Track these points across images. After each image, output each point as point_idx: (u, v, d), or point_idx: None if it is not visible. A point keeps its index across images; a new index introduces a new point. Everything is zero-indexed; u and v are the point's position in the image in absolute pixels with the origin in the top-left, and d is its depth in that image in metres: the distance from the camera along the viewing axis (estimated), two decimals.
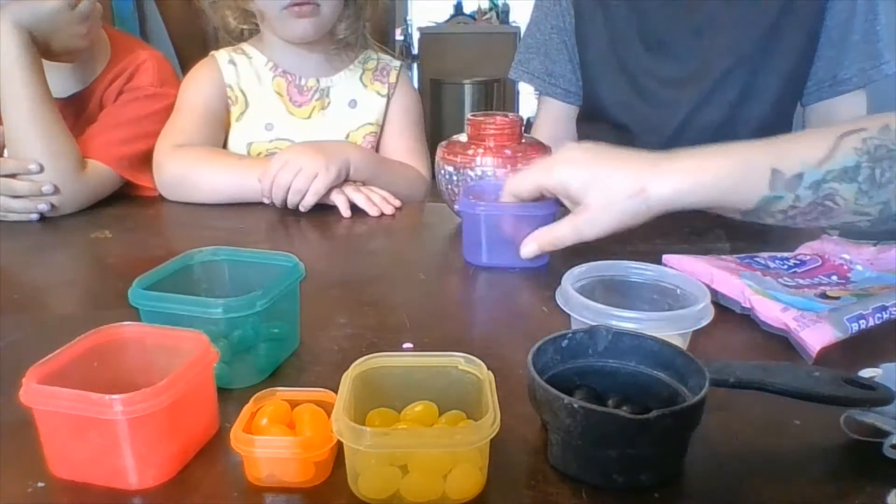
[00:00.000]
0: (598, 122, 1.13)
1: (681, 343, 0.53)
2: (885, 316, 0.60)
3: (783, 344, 0.60)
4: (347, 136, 1.17)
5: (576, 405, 0.39)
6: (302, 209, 0.99)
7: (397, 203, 1.03)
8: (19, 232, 0.94)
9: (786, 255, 0.74)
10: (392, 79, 1.21)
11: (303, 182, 0.97)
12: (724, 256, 0.74)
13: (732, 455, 0.45)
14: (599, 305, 0.53)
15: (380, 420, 0.45)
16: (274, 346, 0.56)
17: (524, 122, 0.90)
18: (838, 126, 0.61)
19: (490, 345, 0.61)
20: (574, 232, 0.69)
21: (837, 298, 0.62)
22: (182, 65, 1.66)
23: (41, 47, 0.98)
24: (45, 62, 1.00)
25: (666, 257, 0.74)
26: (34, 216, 0.97)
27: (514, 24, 4.96)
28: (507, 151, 0.86)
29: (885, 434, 0.44)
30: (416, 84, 4.22)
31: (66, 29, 0.99)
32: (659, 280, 0.60)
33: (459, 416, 0.45)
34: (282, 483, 0.42)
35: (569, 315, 0.56)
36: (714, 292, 0.65)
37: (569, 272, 0.59)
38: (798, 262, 0.72)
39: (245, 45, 1.18)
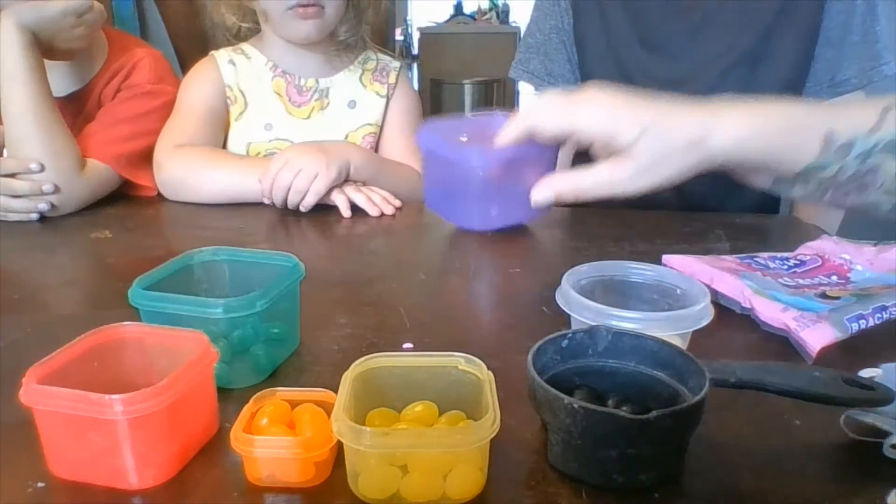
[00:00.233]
0: None
1: (681, 343, 0.53)
2: (885, 316, 0.60)
3: (783, 344, 0.60)
4: (346, 136, 1.17)
5: (576, 405, 0.39)
6: (303, 209, 0.99)
7: (398, 203, 1.03)
8: (19, 232, 0.94)
9: (786, 255, 0.74)
10: (391, 79, 1.21)
11: (303, 182, 0.98)
12: (724, 256, 0.74)
13: (732, 455, 0.45)
14: (599, 305, 0.53)
15: (380, 420, 0.45)
16: (274, 346, 0.56)
17: None
18: (878, 99, 0.57)
19: (490, 345, 0.61)
20: (610, 184, 0.60)
21: (837, 298, 0.62)
22: (182, 65, 1.66)
23: (43, 47, 0.99)
24: (45, 61, 1.00)
25: (666, 257, 0.74)
26: (34, 216, 0.97)
27: (514, 24, 4.96)
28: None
29: (885, 434, 0.44)
30: (416, 84, 4.22)
31: (69, 31, 1.00)
32: (659, 280, 0.60)
33: (459, 416, 0.45)
34: (282, 483, 0.42)
35: (569, 315, 0.56)
36: (714, 292, 0.65)
37: (569, 272, 0.59)
38: (798, 262, 0.72)
39: (244, 45, 1.18)
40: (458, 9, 5.16)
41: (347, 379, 0.44)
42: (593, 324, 0.50)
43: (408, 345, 0.60)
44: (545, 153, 0.67)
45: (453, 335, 0.64)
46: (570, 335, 0.47)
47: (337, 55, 1.19)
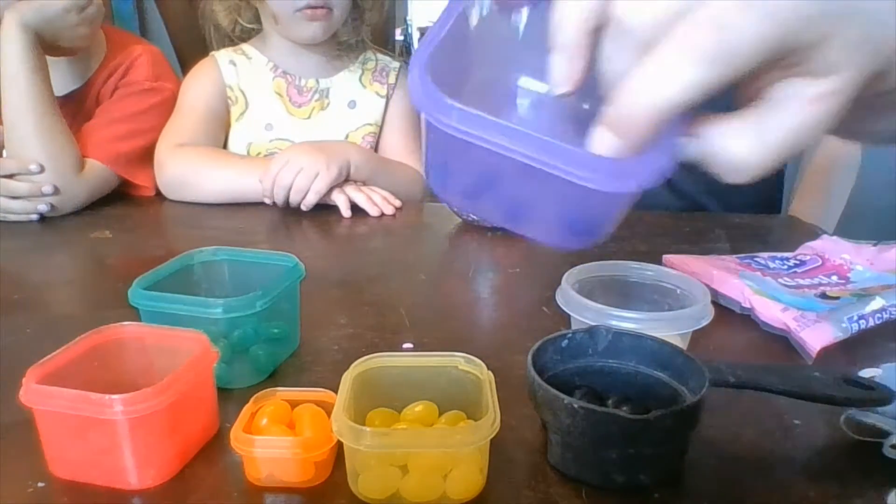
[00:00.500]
0: None
1: (681, 343, 0.53)
2: (885, 316, 0.60)
3: (783, 344, 0.60)
4: (347, 136, 1.17)
5: (576, 405, 0.39)
6: (304, 208, 1.00)
7: (398, 203, 1.04)
8: (19, 232, 0.94)
9: (786, 255, 0.74)
10: (391, 79, 1.21)
11: (304, 182, 0.98)
12: (724, 256, 0.74)
13: (732, 455, 0.45)
14: (599, 305, 0.53)
15: (380, 420, 0.44)
16: (274, 346, 0.56)
17: None
18: None
19: (490, 345, 0.61)
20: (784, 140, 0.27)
21: (837, 298, 0.62)
22: (182, 65, 1.66)
23: (46, 46, 0.99)
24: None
25: (666, 257, 0.74)
26: (34, 217, 0.97)
27: None
28: None
29: (885, 434, 0.44)
30: None
31: (72, 29, 0.99)
32: (659, 280, 0.60)
33: (459, 416, 0.45)
34: (282, 483, 0.42)
35: (569, 315, 0.56)
36: (714, 292, 0.65)
37: (569, 272, 0.59)
38: (798, 262, 0.72)
39: (245, 46, 1.19)
40: None
41: (347, 379, 0.44)
42: (593, 324, 0.50)
43: (408, 345, 0.60)
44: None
45: (453, 335, 0.64)
46: (570, 335, 0.47)
47: (337, 56, 1.19)
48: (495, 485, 0.42)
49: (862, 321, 0.59)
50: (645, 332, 0.47)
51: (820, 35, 0.24)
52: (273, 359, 0.56)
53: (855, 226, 0.94)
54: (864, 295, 0.62)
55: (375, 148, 1.21)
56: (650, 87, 0.25)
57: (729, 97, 0.27)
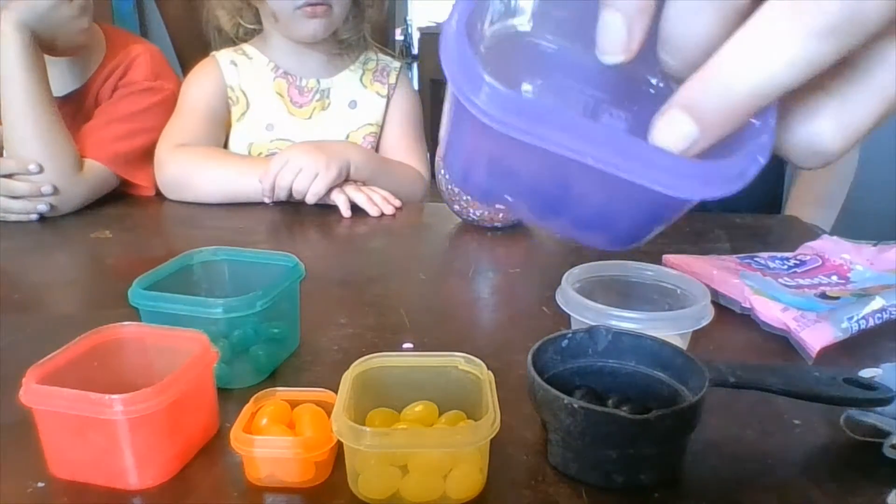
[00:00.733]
0: None
1: (681, 343, 0.53)
2: (885, 316, 0.60)
3: (783, 344, 0.60)
4: (347, 136, 1.17)
5: (576, 405, 0.39)
6: (307, 202, 1.00)
7: (398, 203, 1.04)
8: (19, 232, 0.94)
9: (786, 255, 0.74)
10: (392, 79, 1.21)
11: (304, 182, 0.98)
12: (724, 256, 0.74)
13: (732, 455, 0.45)
14: (599, 305, 0.53)
15: (380, 420, 0.44)
16: (274, 346, 0.56)
17: None
18: None
19: (490, 345, 0.61)
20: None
21: (837, 298, 0.62)
22: (182, 65, 1.66)
23: (45, 45, 0.98)
24: (46, 58, 0.99)
25: (666, 257, 0.74)
26: (34, 216, 0.97)
27: None
28: None
29: (885, 434, 0.44)
30: (416, 84, 4.21)
31: (67, 24, 0.99)
32: (659, 280, 0.60)
33: (459, 416, 0.45)
34: (282, 483, 0.42)
35: (569, 315, 0.56)
36: (714, 292, 0.65)
37: (569, 272, 0.59)
38: (798, 262, 0.72)
39: (246, 46, 1.19)
40: None
41: (347, 379, 0.44)
42: (593, 324, 0.50)
43: (408, 345, 0.60)
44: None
45: (453, 335, 0.64)
46: (570, 335, 0.47)
47: (338, 55, 1.19)
48: (495, 485, 0.42)
49: (862, 321, 0.58)
50: (645, 332, 0.47)
51: None
52: (273, 359, 0.56)
53: (855, 226, 0.94)
54: (864, 295, 0.62)
55: (376, 148, 1.21)
56: (751, 63, 0.19)
57: None
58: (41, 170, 0.96)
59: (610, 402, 0.44)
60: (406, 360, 0.47)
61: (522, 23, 0.28)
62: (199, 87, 1.15)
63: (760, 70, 0.19)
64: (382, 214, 1.01)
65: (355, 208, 1.01)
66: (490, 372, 0.44)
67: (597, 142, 0.21)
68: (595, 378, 0.47)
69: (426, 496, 0.40)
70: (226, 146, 1.16)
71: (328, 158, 0.99)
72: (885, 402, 0.44)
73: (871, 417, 0.44)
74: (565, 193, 0.26)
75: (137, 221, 1.01)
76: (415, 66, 4.88)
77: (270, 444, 0.41)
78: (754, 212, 1.03)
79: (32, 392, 0.40)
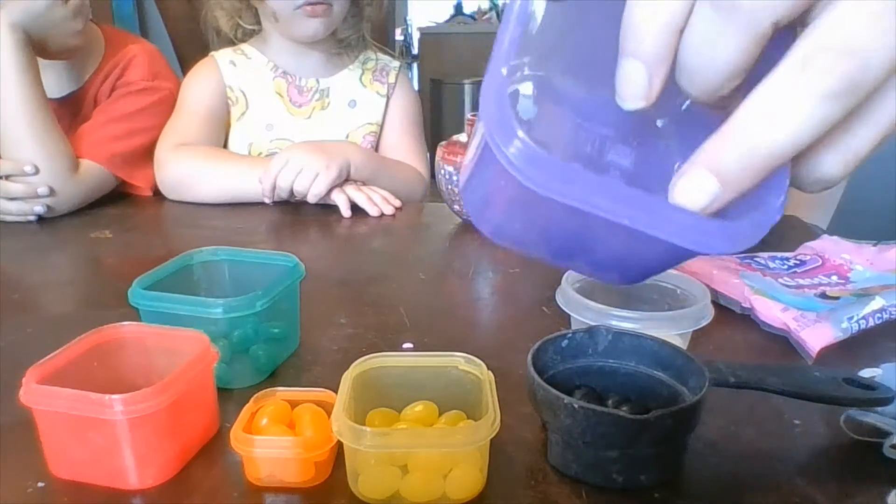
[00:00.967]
0: None
1: (681, 343, 0.53)
2: (885, 316, 0.60)
3: (783, 344, 0.60)
4: (347, 136, 1.18)
5: (576, 405, 0.39)
6: (308, 202, 1.00)
7: (398, 203, 1.04)
8: (19, 232, 0.94)
9: (786, 255, 0.74)
10: (391, 79, 1.21)
11: (304, 182, 0.98)
12: (724, 256, 0.74)
13: (732, 455, 0.45)
14: (599, 305, 0.53)
15: (380, 420, 0.44)
16: (274, 346, 0.56)
17: None
18: None
19: (490, 345, 0.61)
20: None
21: (837, 298, 0.62)
22: (182, 65, 1.66)
23: (38, 47, 0.98)
24: (40, 62, 0.99)
25: None
26: (31, 218, 0.97)
27: None
28: None
29: (885, 434, 0.44)
30: (416, 84, 4.22)
31: (61, 26, 0.99)
32: (659, 280, 0.60)
33: (459, 416, 0.45)
34: (282, 483, 0.42)
35: (569, 315, 0.56)
36: (714, 292, 0.65)
37: (569, 272, 0.59)
38: (798, 262, 0.72)
39: (245, 46, 1.19)
40: (458, 9, 5.15)
41: (347, 379, 0.44)
42: (593, 324, 0.50)
43: (408, 345, 0.60)
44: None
45: (453, 335, 0.64)
46: (570, 335, 0.47)
47: (337, 55, 1.19)
48: (495, 485, 0.42)
49: (862, 321, 0.58)
50: (645, 332, 0.47)
51: None
52: (273, 359, 0.56)
53: (854, 225, 0.94)
54: (864, 295, 0.62)
55: (376, 148, 1.21)
56: (771, 125, 0.21)
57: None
58: (37, 171, 0.96)
59: (610, 402, 0.44)
60: (406, 360, 0.47)
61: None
62: (198, 87, 1.15)
63: (779, 132, 0.20)
64: (382, 214, 1.01)
65: (355, 208, 1.01)
66: (490, 372, 0.44)
67: (622, 201, 0.23)
68: (595, 378, 0.47)
69: (426, 496, 0.40)
70: (225, 146, 1.16)
71: (328, 158, 0.99)
72: (885, 402, 0.44)
73: (871, 417, 0.44)
74: (583, 244, 0.28)
75: (137, 221, 1.01)
76: (415, 66, 4.88)
77: (270, 444, 0.41)
78: None
79: (32, 392, 0.40)
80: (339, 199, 1.00)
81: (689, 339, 0.55)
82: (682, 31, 0.22)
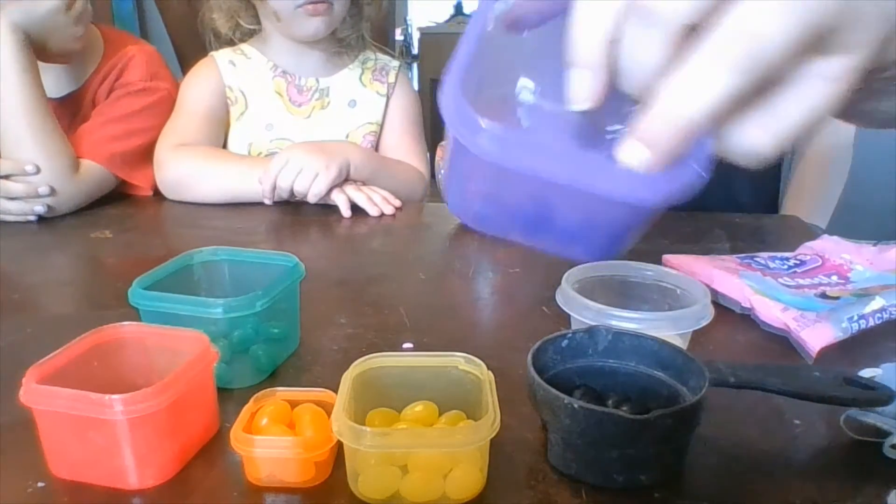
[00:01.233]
0: None
1: (681, 343, 0.53)
2: (885, 316, 0.60)
3: (783, 344, 0.60)
4: (347, 135, 1.17)
5: (576, 405, 0.39)
6: (308, 202, 1.00)
7: (398, 203, 1.04)
8: (19, 232, 0.94)
9: (786, 255, 0.74)
10: (391, 79, 1.21)
11: (304, 182, 0.98)
12: (724, 256, 0.74)
13: (732, 455, 0.45)
14: (599, 305, 0.53)
15: (380, 420, 0.45)
16: (274, 346, 0.56)
17: None
18: None
19: (490, 345, 0.61)
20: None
21: (837, 298, 0.62)
22: (182, 65, 1.66)
23: (37, 49, 0.98)
24: (40, 63, 0.99)
25: (666, 257, 0.74)
26: (31, 218, 0.97)
27: None
28: None
29: (885, 434, 0.44)
30: (416, 84, 4.21)
31: (62, 30, 0.99)
32: (659, 280, 0.60)
33: (459, 416, 0.45)
34: (282, 483, 0.42)
35: (569, 315, 0.56)
36: (714, 292, 0.65)
37: (569, 272, 0.59)
38: (798, 262, 0.72)
39: (244, 46, 1.19)
40: (458, 9, 5.15)
41: (347, 379, 0.44)
42: (593, 324, 0.50)
43: (408, 345, 0.60)
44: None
45: (453, 335, 0.64)
46: (570, 335, 0.47)
47: (337, 54, 1.19)
48: (495, 485, 0.42)
49: (862, 321, 0.59)
50: (645, 332, 0.47)
51: (845, 19, 0.24)
52: (273, 359, 0.56)
53: (854, 224, 0.94)
54: (864, 295, 0.62)
55: (376, 147, 1.21)
56: (684, 98, 0.24)
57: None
58: (38, 171, 0.96)
59: (610, 402, 0.44)
60: (406, 360, 0.47)
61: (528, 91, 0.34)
62: (197, 87, 1.15)
63: (693, 102, 0.24)
64: (382, 214, 1.01)
65: (355, 208, 1.01)
66: (490, 372, 0.44)
67: (567, 162, 0.27)
68: (595, 378, 0.47)
69: (426, 496, 0.40)
70: (225, 146, 1.16)
71: (328, 158, 0.99)
72: (885, 402, 0.44)
73: (871, 417, 0.44)
74: (544, 216, 0.32)
75: (137, 221, 1.01)
76: (415, 65, 4.88)
77: (270, 444, 0.41)
78: (753, 211, 1.03)
79: (32, 392, 0.40)
80: (339, 199, 1.00)
81: (689, 339, 0.55)
82: (615, 42, 0.26)
